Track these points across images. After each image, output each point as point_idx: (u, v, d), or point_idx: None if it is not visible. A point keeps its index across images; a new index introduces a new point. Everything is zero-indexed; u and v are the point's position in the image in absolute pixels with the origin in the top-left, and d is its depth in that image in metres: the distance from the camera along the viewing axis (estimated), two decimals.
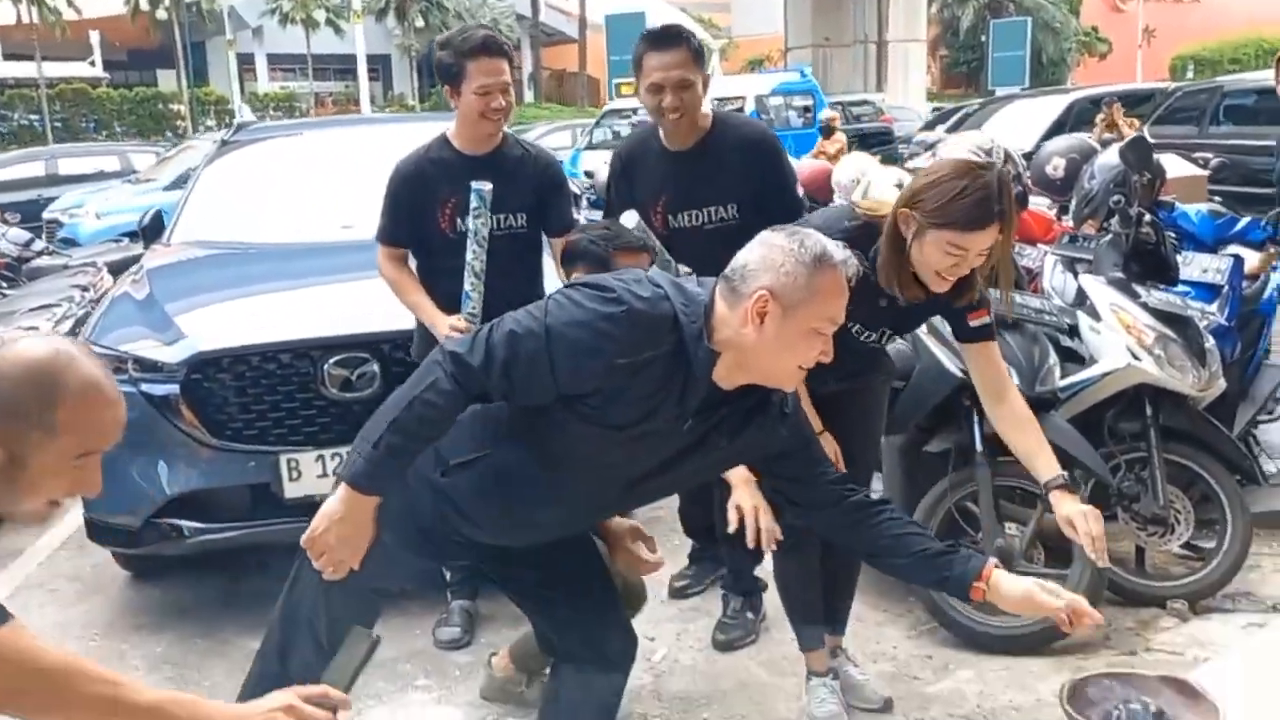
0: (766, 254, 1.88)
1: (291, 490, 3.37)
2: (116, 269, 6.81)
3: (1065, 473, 2.41)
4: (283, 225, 4.40)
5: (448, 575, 3.46)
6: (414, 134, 3.30)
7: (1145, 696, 2.00)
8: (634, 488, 2.03)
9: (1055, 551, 3.20)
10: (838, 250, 1.88)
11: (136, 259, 6.96)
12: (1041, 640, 3.05)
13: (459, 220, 3.07)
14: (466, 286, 3.01)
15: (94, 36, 30.21)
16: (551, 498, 2.00)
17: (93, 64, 30.79)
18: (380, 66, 38.61)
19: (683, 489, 3.05)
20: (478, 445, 1.97)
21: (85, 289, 6.58)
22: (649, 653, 3.16)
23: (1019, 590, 1.99)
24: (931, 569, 2.05)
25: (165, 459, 3.44)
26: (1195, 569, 3.36)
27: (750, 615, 3.29)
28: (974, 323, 2.50)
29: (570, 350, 1.81)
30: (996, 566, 2.03)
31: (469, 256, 3.00)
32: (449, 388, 1.84)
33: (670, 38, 2.98)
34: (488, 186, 2.97)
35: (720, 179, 3.04)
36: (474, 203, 2.97)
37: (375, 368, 3.41)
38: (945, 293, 2.40)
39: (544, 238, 3.28)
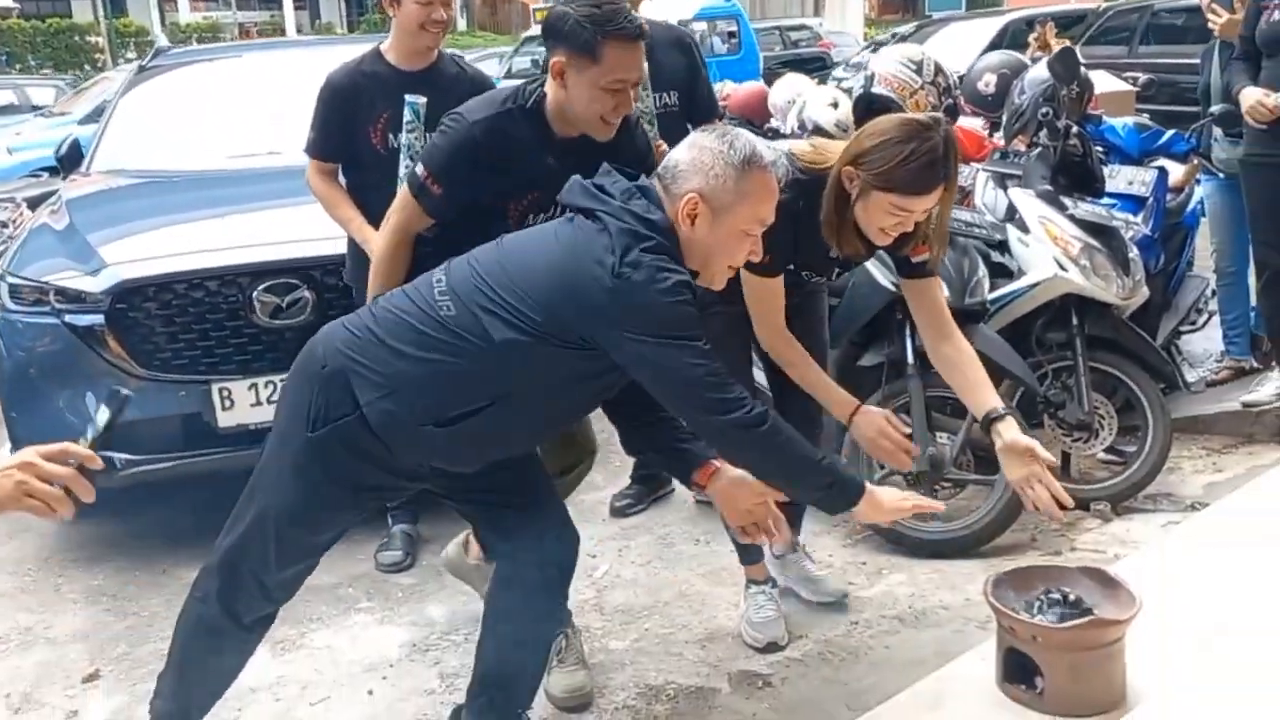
0: (697, 156, 1.88)
1: (225, 420, 3.34)
2: (36, 204, 6.61)
3: (1002, 405, 2.37)
4: (207, 152, 4.29)
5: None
6: (340, 57, 3.21)
7: (1065, 587, 2.07)
8: (602, 393, 2.06)
9: (983, 459, 3.28)
10: (767, 152, 1.88)
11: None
12: (970, 543, 3.14)
13: (391, 136, 3.02)
14: None
15: None
16: (543, 427, 2.08)
17: None
18: None
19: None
20: (479, 396, 1.93)
21: (3, 225, 6.38)
22: (591, 569, 3.20)
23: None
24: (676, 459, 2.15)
25: (93, 390, 3.37)
26: (1118, 472, 3.47)
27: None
28: (915, 258, 2.45)
29: None
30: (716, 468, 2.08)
31: (401, 172, 2.94)
32: None
33: None
34: (422, 100, 2.92)
35: (658, 72, 3.14)
36: (408, 117, 2.93)
37: (307, 294, 3.38)
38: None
39: None
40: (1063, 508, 2.21)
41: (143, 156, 4.37)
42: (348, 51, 3.29)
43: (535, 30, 17.52)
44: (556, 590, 2.22)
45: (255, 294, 3.35)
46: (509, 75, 15.13)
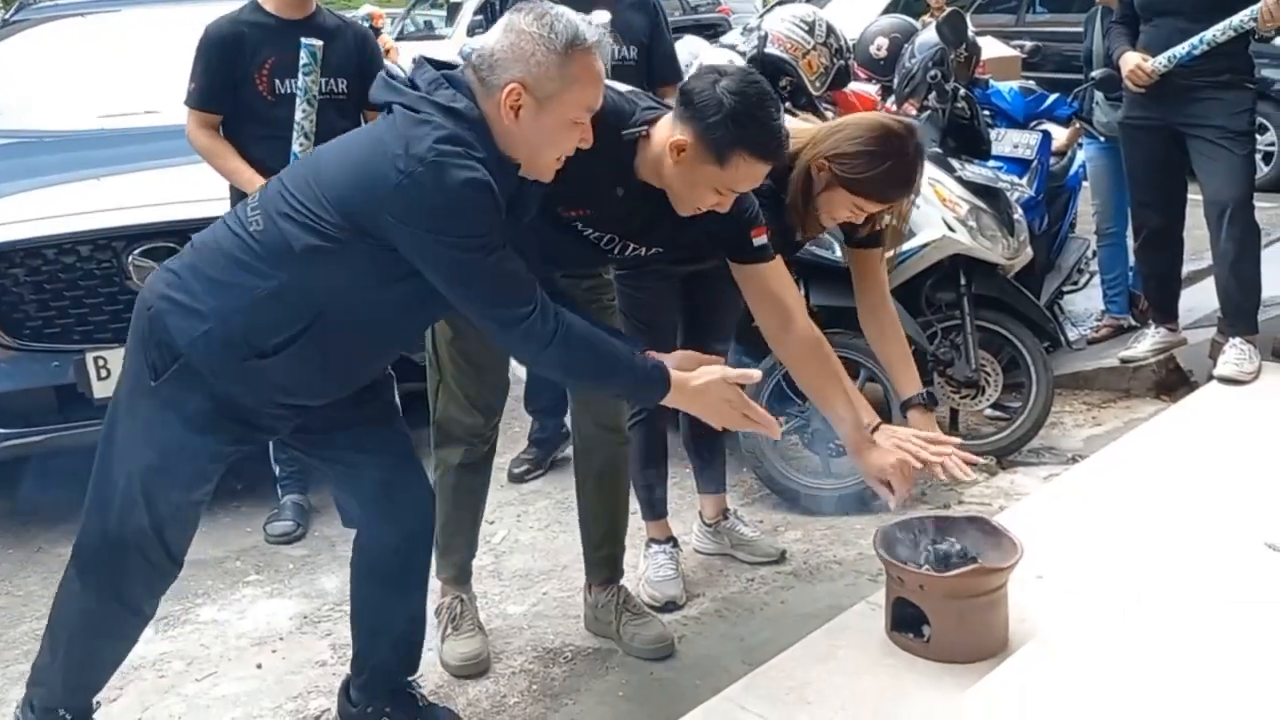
0: (515, 42, 1.75)
1: (100, 390, 3.19)
2: None
3: (921, 394, 2.41)
4: (79, 111, 4.08)
5: (276, 470, 3.38)
6: (216, 13, 3.11)
7: (951, 536, 2.12)
8: (425, 303, 1.95)
9: (876, 411, 3.33)
10: (591, 31, 1.77)
11: None
12: (862, 501, 3.20)
13: (277, 81, 3.00)
14: (295, 147, 2.95)
15: None
16: (371, 349, 1.98)
17: None
18: None
19: None
20: (294, 320, 1.85)
21: None
22: (488, 535, 3.16)
23: None
24: None
25: None
26: (1003, 427, 3.57)
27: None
28: (868, 231, 2.43)
29: None
30: None
31: (298, 116, 2.94)
32: None
33: None
34: (318, 43, 2.92)
35: (617, 24, 3.05)
36: (304, 59, 2.90)
37: None
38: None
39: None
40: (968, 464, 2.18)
41: (8, 116, 4.14)
42: (223, 8, 3.18)
43: None
44: (415, 573, 2.21)
45: (131, 259, 3.22)
46: (400, 37, 14.80)
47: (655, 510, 2.90)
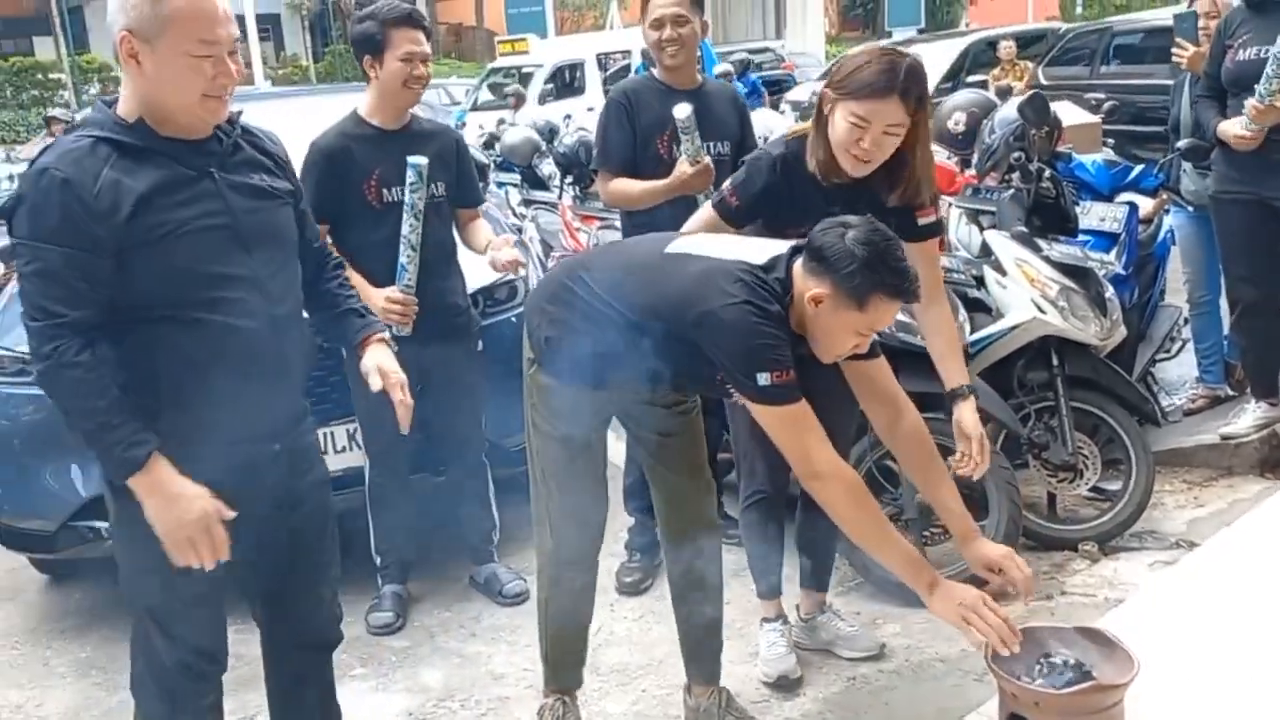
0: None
1: None
2: (8, 255, 6.53)
3: (968, 384, 2.60)
4: None
5: (378, 560, 3.45)
6: (321, 107, 3.29)
7: (1063, 649, 2.09)
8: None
9: (973, 502, 3.30)
10: None
11: None
12: None
13: (384, 191, 3.16)
14: (402, 259, 3.09)
15: None
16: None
17: None
18: (270, 26, 37.27)
19: None
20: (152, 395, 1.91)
21: None
22: None
23: None
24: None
25: (78, 461, 3.35)
26: (1103, 510, 3.51)
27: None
28: (923, 220, 2.56)
29: None
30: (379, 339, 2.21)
31: (405, 229, 3.09)
32: None
33: None
34: (424, 161, 3.07)
35: (713, 121, 3.27)
36: (411, 177, 3.05)
37: None
38: (878, 187, 2.46)
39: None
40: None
41: None
42: (330, 102, 3.35)
43: (500, 63, 17.59)
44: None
45: None
46: (475, 108, 15.18)
47: (771, 589, 2.93)
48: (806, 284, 2.09)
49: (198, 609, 2.02)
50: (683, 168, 3.08)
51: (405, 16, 3.13)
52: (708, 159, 3.11)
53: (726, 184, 2.63)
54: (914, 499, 3.14)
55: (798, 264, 2.12)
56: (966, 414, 2.55)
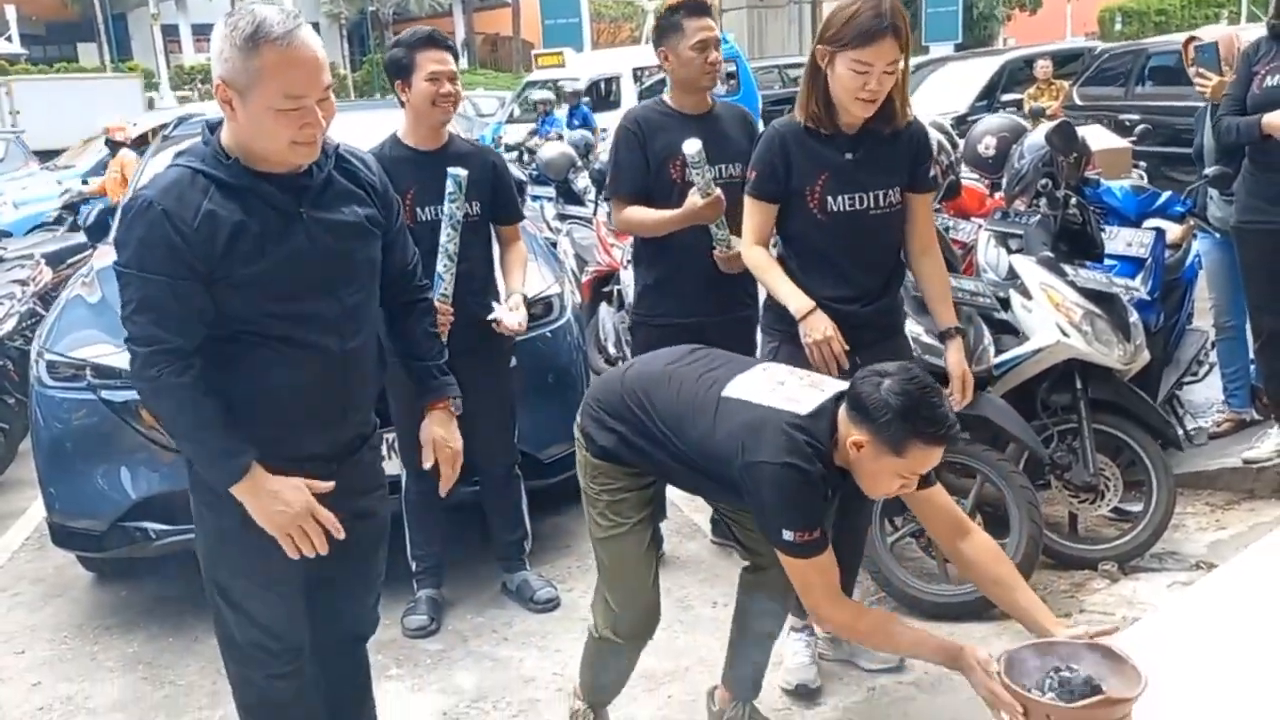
0: (213, 44, 1.92)
1: None
2: (54, 260, 6.73)
3: (956, 325, 2.89)
4: None
5: (413, 566, 3.56)
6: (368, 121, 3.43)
7: (1073, 664, 2.16)
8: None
9: (994, 519, 3.37)
10: (277, 23, 1.88)
11: (74, 250, 6.89)
12: (982, 606, 3.22)
13: (419, 210, 3.27)
14: (439, 269, 3.20)
15: (9, 10, 29.17)
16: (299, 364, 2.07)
17: (9, 39, 29.78)
18: None
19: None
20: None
21: (24, 283, 6.49)
22: None
23: None
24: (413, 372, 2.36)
25: (127, 464, 3.49)
26: (1124, 531, 3.56)
27: None
28: (932, 171, 2.93)
29: None
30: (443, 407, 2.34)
31: (443, 239, 3.21)
32: None
33: (702, 7, 3.40)
34: (463, 173, 3.21)
35: (727, 143, 3.38)
36: (450, 188, 3.18)
37: None
38: (878, 124, 2.68)
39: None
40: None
41: None
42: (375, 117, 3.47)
43: (535, 75, 17.74)
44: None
45: None
46: (511, 120, 15.34)
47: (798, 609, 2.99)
48: (849, 430, 2.17)
49: (269, 593, 2.18)
50: (694, 199, 3.17)
51: (427, 38, 3.27)
52: (718, 191, 3.20)
53: (750, 165, 2.86)
54: None
55: (842, 409, 2.20)
56: (953, 353, 2.87)
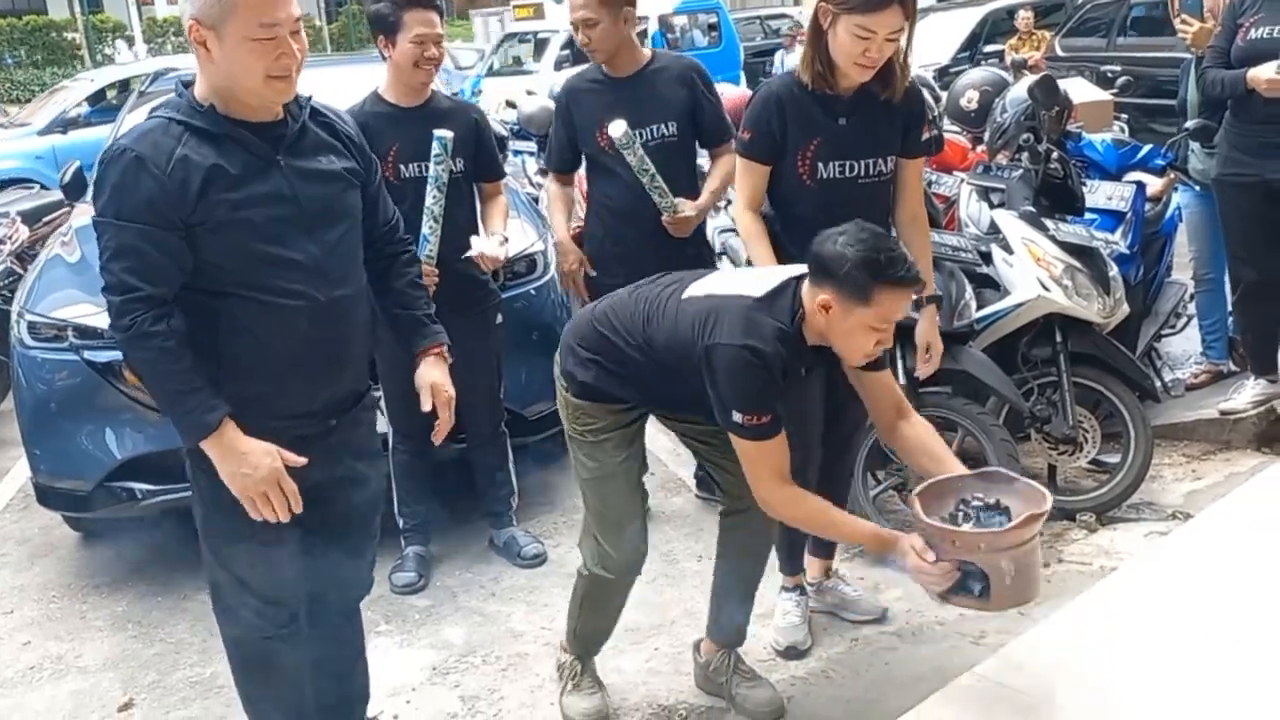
0: None
1: None
2: (30, 218, 6.65)
3: (933, 294, 2.87)
4: None
5: (400, 523, 3.58)
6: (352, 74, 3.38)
7: (978, 493, 2.22)
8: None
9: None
10: None
11: (51, 207, 6.81)
12: None
13: (402, 167, 3.25)
14: (425, 230, 3.19)
15: None
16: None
17: None
18: None
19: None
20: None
21: (1, 241, 6.42)
22: None
23: None
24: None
25: (112, 425, 3.49)
26: (1102, 482, 3.61)
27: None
28: (925, 135, 2.83)
29: None
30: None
31: (429, 201, 3.19)
32: None
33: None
34: (449, 134, 3.17)
35: (659, 103, 3.34)
36: (436, 150, 3.16)
37: None
38: (877, 87, 2.65)
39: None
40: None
41: None
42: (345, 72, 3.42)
43: (513, 28, 17.53)
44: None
45: None
46: (491, 73, 15.19)
47: (794, 565, 3.05)
48: (814, 295, 2.21)
49: (266, 558, 2.17)
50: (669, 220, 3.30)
51: None
52: (686, 210, 3.28)
53: (742, 125, 2.79)
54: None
55: (805, 282, 2.25)
56: (925, 320, 2.84)
